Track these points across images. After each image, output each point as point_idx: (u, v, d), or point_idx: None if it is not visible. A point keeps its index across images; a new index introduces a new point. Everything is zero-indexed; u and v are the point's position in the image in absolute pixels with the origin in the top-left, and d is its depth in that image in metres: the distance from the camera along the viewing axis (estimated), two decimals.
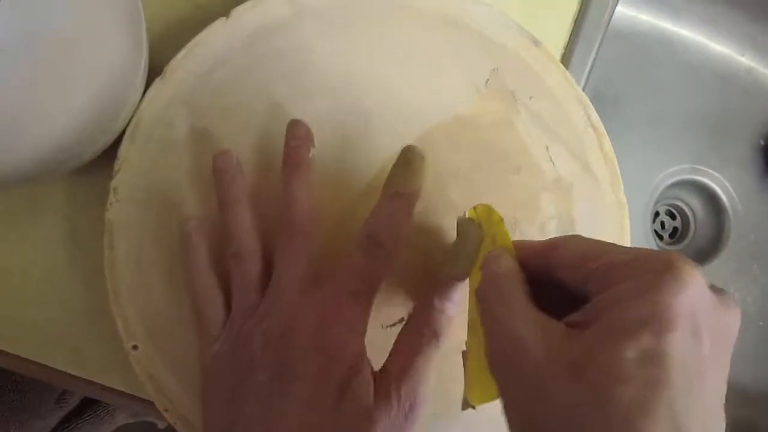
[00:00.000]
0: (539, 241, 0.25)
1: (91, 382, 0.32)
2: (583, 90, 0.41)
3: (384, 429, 0.25)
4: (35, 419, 0.46)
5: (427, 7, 0.35)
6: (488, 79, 0.36)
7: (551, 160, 0.36)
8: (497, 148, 0.35)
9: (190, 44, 0.33)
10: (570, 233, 0.36)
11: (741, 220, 0.61)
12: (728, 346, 0.20)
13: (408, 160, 0.30)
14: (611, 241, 0.36)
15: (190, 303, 0.31)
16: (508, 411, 0.21)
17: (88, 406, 0.53)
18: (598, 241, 0.23)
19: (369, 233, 0.29)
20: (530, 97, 0.36)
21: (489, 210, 0.29)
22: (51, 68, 0.24)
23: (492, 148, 0.35)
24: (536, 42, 0.36)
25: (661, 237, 0.63)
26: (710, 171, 0.61)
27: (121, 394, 0.33)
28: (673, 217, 0.64)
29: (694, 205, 0.63)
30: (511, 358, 0.21)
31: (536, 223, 0.35)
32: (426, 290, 0.29)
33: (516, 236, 0.35)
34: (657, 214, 0.63)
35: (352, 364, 0.26)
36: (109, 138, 0.31)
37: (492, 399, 0.25)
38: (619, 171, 0.37)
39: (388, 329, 0.34)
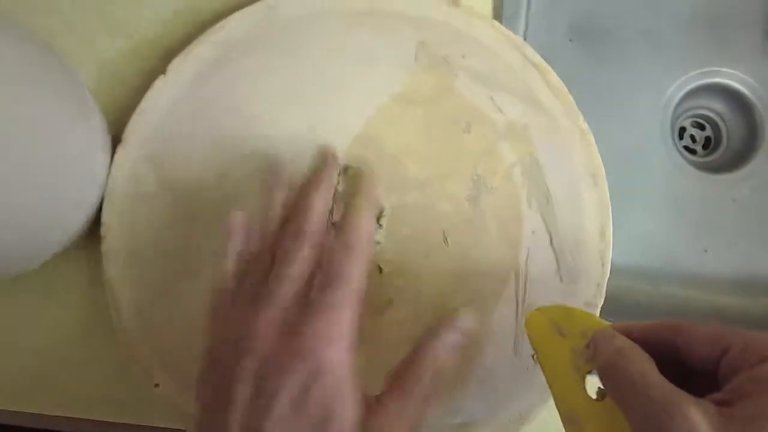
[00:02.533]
0: (648, 323, 0.27)
1: (133, 426, 0.36)
2: (562, 26, 0.40)
3: None
4: None
5: (340, 8, 0.37)
6: (416, 54, 0.36)
7: (499, 110, 0.36)
8: (442, 114, 0.36)
9: (138, 108, 0.36)
10: (536, 173, 0.36)
11: None
12: None
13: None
14: (580, 170, 0.36)
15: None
16: None
17: None
18: (721, 326, 0.25)
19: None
20: (463, 56, 0.36)
21: (564, 310, 0.30)
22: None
23: (437, 115, 0.36)
24: (455, 2, 0.37)
25: (693, 151, 0.60)
26: (725, 69, 0.58)
27: (164, 429, 0.36)
28: (701, 127, 0.60)
29: (719, 110, 0.59)
30: None
31: (500, 173, 0.36)
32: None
33: (483, 190, 0.36)
34: (683, 129, 0.60)
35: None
36: (89, 210, 0.35)
37: None
38: (572, 100, 0.36)
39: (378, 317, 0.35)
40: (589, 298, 0.35)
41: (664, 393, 0.22)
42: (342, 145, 0.36)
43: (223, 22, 0.37)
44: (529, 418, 0.35)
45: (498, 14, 0.41)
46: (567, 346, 0.28)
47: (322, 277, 0.28)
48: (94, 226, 0.35)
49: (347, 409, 0.26)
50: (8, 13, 0.38)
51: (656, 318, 0.27)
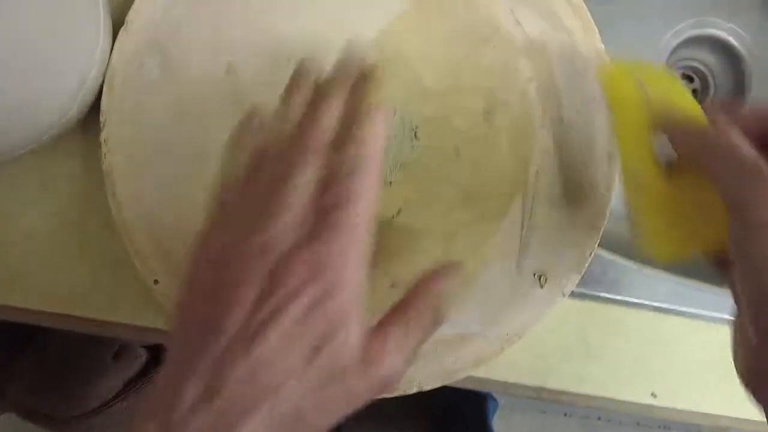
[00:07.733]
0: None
1: (126, 325, 0.35)
2: None
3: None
4: (98, 377, 0.50)
5: None
6: None
7: (519, 23, 0.35)
8: (462, 23, 0.35)
9: None
10: (552, 92, 0.35)
11: (760, 64, 0.58)
12: None
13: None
14: (594, 91, 0.36)
15: None
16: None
17: (151, 366, 0.56)
18: None
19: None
20: None
21: (652, 71, 0.30)
22: None
23: (457, 24, 0.35)
24: None
25: None
26: (718, 20, 0.58)
27: (156, 330, 0.35)
28: (690, 79, 0.61)
29: (708, 61, 0.60)
30: None
31: (516, 90, 0.35)
32: None
33: (497, 106, 0.35)
34: None
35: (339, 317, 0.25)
36: (88, 92, 0.33)
37: (680, 256, 0.28)
38: (591, 19, 0.36)
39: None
40: (593, 221, 0.36)
41: (757, 160, 0.25)
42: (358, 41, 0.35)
43: None
44: (523, 335, 0.36)
45: None
46: (646, 107, 0.29)
47: (338, 189, 0.26)
48: (93, 115, 0.34)
49: (351, 329, 0.25)
50: None
51: None
